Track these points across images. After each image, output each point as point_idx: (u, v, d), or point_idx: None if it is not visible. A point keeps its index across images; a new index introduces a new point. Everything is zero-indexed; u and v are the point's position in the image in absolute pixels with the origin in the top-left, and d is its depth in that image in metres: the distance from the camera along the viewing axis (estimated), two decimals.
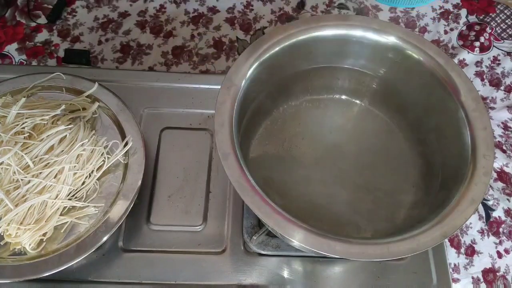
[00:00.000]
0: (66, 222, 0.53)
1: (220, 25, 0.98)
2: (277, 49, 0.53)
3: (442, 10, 1.03)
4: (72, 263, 0.50)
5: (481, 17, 1.03)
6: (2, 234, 0.52)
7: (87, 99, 0.61)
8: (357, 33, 0.55)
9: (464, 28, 1.01)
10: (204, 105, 0.67)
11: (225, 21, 0.99)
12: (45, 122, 0.56)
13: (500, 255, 0.74)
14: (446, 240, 0.67)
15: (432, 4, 1.02)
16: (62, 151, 0.54)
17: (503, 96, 0.92)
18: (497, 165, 0.82)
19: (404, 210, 0.54)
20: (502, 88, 0.93)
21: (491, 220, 0.77)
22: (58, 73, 0.62)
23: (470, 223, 0.75)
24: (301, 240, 0.42)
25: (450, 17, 1.02)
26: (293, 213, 0.43)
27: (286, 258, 0.58)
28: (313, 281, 0.57)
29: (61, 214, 0.53)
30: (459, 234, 0.73)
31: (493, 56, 0.98)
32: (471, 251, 0.73)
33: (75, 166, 0.54)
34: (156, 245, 0.58)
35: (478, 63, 0.96)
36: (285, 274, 0.57)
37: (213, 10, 1.00)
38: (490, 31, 1.01)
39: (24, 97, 0.58)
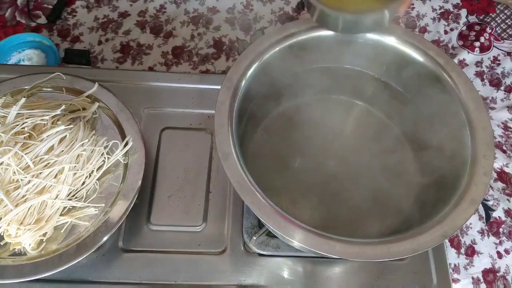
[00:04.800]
0: (66, 222, 0.53)
1: (220, 25, 0.99)
2: (277, 49, 0.53)
3: (442, 10, 1.03)
4: (72, 263, 0.50)
5: (481, 17, 1.03)
6: (2, 234, 0.52)
7: (87, 99, 0.61)
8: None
9: (464, 28, 1.01)
10: (204, 105, 0.67)
11: (225, 21, 0.99)
12: (45, 122, 0.56)
13: (500, 256, 0.74)
14: (446, 240, 0.67)
15: (432, 4, 1.02)
16: (62, 151, 0.54)
17: (503, 96, 0.92)
18: (497, 165, 0.82)
19: (404, 210, 0.54)
20: (502, 88, 0.93)
21: (491, 220, 0.77)
22: (58, 73, 0.62)
23: (470, 224, 0.75)
24: (301, 240, 0.42)
25: (450, 17, 1.02)
26: (292, 212, 0.43)
27: (286, 259, 0.58)
28: (313, 281, 0.57)
29: (61, 214, 0.53)
30: (459, 234, 0.73)
31: (493, 56, 0.98)
32: (471, 252, 0.73)
33: (75, 166, 0.54)
34: (156, 245, 0.58)
35: (478, 63, 0.97)
36: (285, 274, 0.57)
37: (213, 10, 1.00)
38: (490, 31, 1.01)
39: (24, 97, 0.58)
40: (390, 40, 0.54)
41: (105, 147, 0.58)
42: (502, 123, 0.88)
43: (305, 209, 0.55)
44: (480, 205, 0.76)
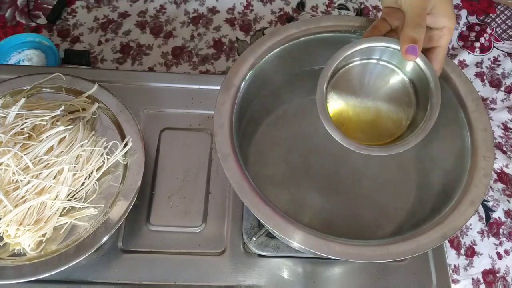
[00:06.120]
0: (66, 223, 0.53)
1: (220, 26, 0.98)
2: (277, 50, 0.52)
3: None
4: (72, 264, 0.50)
5: (481, 18, 1.03)
6: (1, 235, 0.52)
7: (87, 99, 0.61)
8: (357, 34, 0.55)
9: (465, 28, 1.01)
10: (204, 106, 0.67)
11: (225, 21, 0.99)
12: (45, 123, 0.56)
13: (500, 256, 0.74)
14: (446, 241, 0.67)
15: None
16: (62, 151, 0.54)
17: (503, 97, 0.92)
18: (497, 166, 0.82)
19: (404, 212, 0.54)
20: (502, 89, 0.93)
21: (491, 221, 0.77)
22: (58, 74, 0.62)
23: (470, 224, 0.75)
24: (300, 241, 0.42)
25: None
26: (292, 213, 0.43)
27: (285, 259, 0.58)
28: (312, 282, 0.57)
29: (60, 215, 0.53)
30: (459, 235, 0.73)
31: (493, 57, 0.98)
32: (471, 252, 0.73)
33: (74, 166, 0.54)
34: (156, 246, 0.58)
35: (478, 64, 0.96)
36: (285, 275, 0.57)
37: (213, 10, 1.00)
38: (490, 31, 1.01)
39: (23, 97, 0.58)
40: None
41: (104, 148, 0.58)
42: (502, 123, 0.88)
43: (306, 210, 0.55)
44: (480, 206, 0.76)
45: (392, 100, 0.48)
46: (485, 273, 0.72)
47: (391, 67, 0.48)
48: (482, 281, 0.71)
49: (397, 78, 0.48)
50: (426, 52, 0.44)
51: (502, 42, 0.98)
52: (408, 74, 0.47)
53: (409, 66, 0.46)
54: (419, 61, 0.44)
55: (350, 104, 0.48)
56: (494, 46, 0.98)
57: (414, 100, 0.48)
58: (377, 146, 0.45)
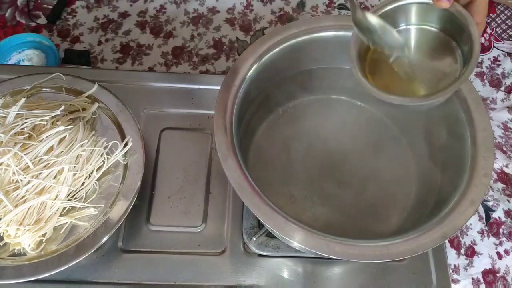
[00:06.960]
0: (66, 223, 0.53)
1: (220, 26, 0.99)
2: (277, 49, 0.53)
3: None
4: (72, 263, 0.50)
5: None
6: (1, 234, 0.52)
7: (87, 99, 0.61)
8: None
9: None
10: (204, 106, 0.67)
11: (225, 21, 0.99)
12: (45, 123, 0.56)
13: (500, 256, 0.74)
14: (446, 241, 0.67)
15: None
16: (62, 151, 0.54)
17: (503, 96, 0.92)
18: (497, 166, 0.82)
19: (404, 212, 0.54)
20: (502, 88, 0.93)
21: (491, 221, 0.77)
22: (58, 74, 0.62)
23: (470, 224, 0.75)
24: (300, 241, 0.42)
25: None
26: (292, 212, 0.43)
27: (285, 259, 0.58)
28: (312, 282, 0.57)
29: (60, 215, 0.53)
30: (459, 235, 0.73)
31: (493, 57, 0.98)
32: (471, 252, 0.73)
33: (74, 166, 0.54)
34: (156, 246, 0.58)
35: (478, 64, 0.96)
36: (285, 275, 0.57)
37: (213, 10, 1.00)
38: (490, 31, 1.01)
39: (24, 97, 0.58)
40: None
41: (104, 148, 0.58)
42: (502, 123, 0.88)
43: (306, 209, 0.55)
44: (480, 205, 0.76)
45: (436, 60, 0.45)
46: (485, 273, 0.72)
47: (422, 27, 0.45)
48: (482, 281, 0.71)
49: (432, 34, 0.45)
50: (466, 8, 0.42)
51: (502, 42, 0.99)
52: (442, 27, 0.44)
53: (442, 20, 0.43)
54: (452, 9, 0.41)
55: (392, 77, 0.45)
56: (494, 46, 0.98)
57: (459, 53, 0.43)
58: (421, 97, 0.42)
